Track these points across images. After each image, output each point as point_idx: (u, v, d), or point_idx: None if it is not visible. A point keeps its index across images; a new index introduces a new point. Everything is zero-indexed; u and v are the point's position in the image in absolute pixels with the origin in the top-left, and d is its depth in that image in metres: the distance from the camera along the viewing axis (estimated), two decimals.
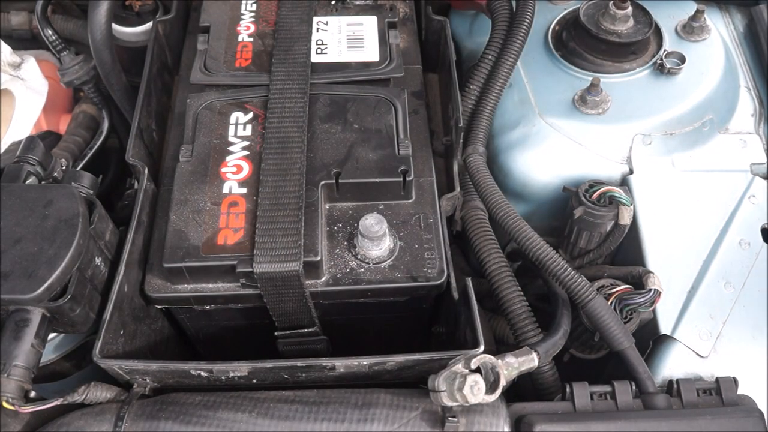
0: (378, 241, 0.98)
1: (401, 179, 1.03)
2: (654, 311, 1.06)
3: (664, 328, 1.05)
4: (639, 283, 1.07)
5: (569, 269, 1.01)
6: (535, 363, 0.92)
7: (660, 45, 1.31)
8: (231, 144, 1.07)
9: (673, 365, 1.02)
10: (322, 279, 0.99)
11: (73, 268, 0.87)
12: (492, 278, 1.07)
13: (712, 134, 1.24)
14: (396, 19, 1.26)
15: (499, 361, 0.86)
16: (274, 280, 0.94)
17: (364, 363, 0.90)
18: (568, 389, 0.92)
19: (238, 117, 1.11)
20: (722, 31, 1.38)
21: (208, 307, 1.03)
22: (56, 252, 0.85)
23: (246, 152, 1.06)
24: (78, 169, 1.28)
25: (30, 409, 0.83)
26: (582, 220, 1.14)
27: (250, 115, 1.11)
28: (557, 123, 1.23)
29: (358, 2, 1.29)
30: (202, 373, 0.92)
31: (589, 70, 1.28)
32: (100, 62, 1.26)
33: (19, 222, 0.88)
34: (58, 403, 0.86)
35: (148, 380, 0.94)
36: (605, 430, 0.87)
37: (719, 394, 0.93)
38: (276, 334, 1.05)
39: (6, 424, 0.87)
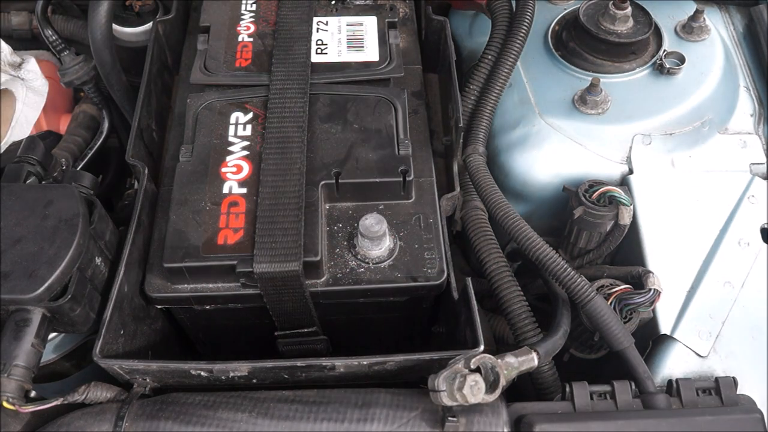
0: (378, 241, 0.98)
1: (401, 179, 1.03)
2: (654, 311, 1.06)
3: (664, 327, 1.05)
4: (639, 283, 1.07)
5: (569, 269, 1.01)
6: (535, 363, 0.92)
7: (660, 45, 1.31)
8: (231, 144, 1.08)
9: (672, 365, 1.02)
10: (322, 279, 0.99)
11: (73, 268, 0.87)
12: (492, 278, 1.07)
13: (712, 134, 1.24)
14: (396, 19, 1.26)
15: (499, 360, 0.86)
16: (274, 280, 0.94)
17: (364, 363, 0.90)
18: (567, 389, 0.92)
19: (238, 117, 1.11)
20: (722, 31, 1.38)
21: (208, 307, 1.03)
22: (56, 252, 0.85)
23: (246, 152, 1.06)
24: (78, 169, 1.28)
25: (30, 408, 0.83)
26: (582, 220, 1.14)
27: (250, 115, 1.11)
28: (557, 123, 1.23)
29: (358, 2, 1.29)
30: (202, 373, 0.92)
31: (588, 70, 1.28)
32: (100, 62, 1.26)
33: (19, 222, 0.88)
34: (58, 403, 0.86)
35: (148, 380, 0.94)
36: (605, 430, 0.88)
37: (719, 394, 0.93)
38: (276, 334, 1.06)
39: (6, 424, 0.87)
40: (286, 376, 0.94)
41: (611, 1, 1.27)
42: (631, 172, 1.19)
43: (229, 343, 1.15)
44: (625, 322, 1.04)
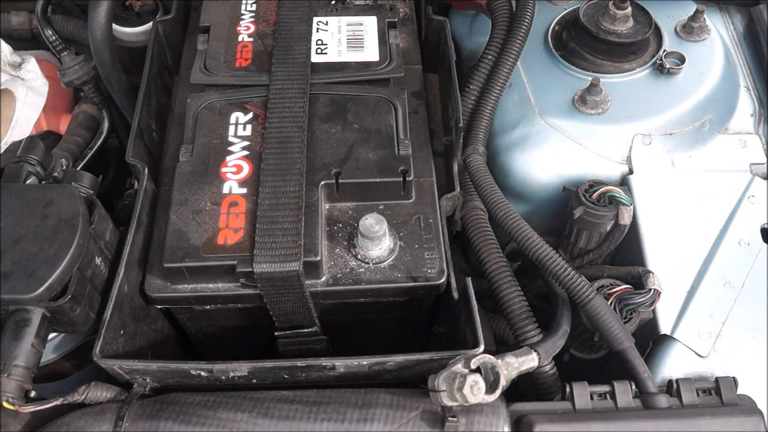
0: (378, 241, 0.98)
1: (401, 179, 1.03)
2: (654, 311, 1.06)
3: (664, 327, 1.05)
4: (639, 283, 1.07)
5: (569, 269, 1.01)
6: (535, 363, 0.92)
7: (660, 45, 1.31)
8: (231, 144, 1.08)
9: (672, 365, 1.02)
10: (322, 279, 0.99)
11: (73, 268, 0.87)
12: (492, 278, 1.07)
13: (712, 134, 1.24)
14: (396, 19, 1.26)
15: (499, 361, 0.86)
16: (274, 280, 0.94)
17: (364, 363, 0.90)
18: (568, 389, 0.92)
19: (238, 117, 1.11)
20: (722, 31, 1.38)
21: (208, 307, 1.03)
22: (56, 252, 0.85)
23: (246, 152, 1.06)
24: (78, 169, 1.28)
25: (30, 408, 0.83)
26: (582, 220, 1.14)
27: (250, 115, 1.11)
28: (557, 123, 1.23)
29: (358, 2, 1.29)
30: (202, 373, 0.92)
31: (589, 70, 1.28)
32: (100, 62, 1.26)
33: (19, 222, 0.88)
34: (58, 403, 0.86)
35: (148, 380, 0.94)
36: (605, 430, 0.88)
37: (719, 394, 0.93)
38: (276, 334, 1.06)
39: (6, 424, 0.87)
40: (286, 376, 0.94)
41: (611, 1, 1.27)
42: (631, 172, 1.19)
43: (229, 343, 1.15)
44: (625, 322, 1.04)
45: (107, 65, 1.27)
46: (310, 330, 1.05)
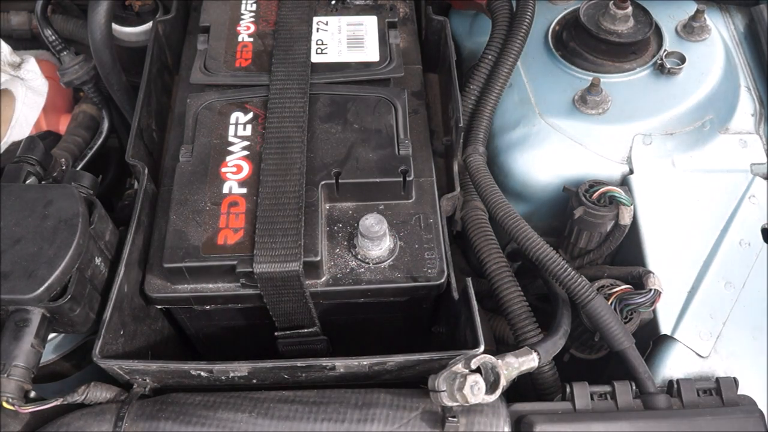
0: (378, 241, 0.98)
1: (401, 179, 1.03)
2: (654, 311, 1.06)
3: (665, 328, 1.05)
4: (639, 283, 1.07)
5: (569, 269, 1.01)
6: (536, 363, 0.92)
7: (660, 45, 1.31)
8: (231, 144, 1.07)
9: (673, 365, 1.02)
10: (322, 279, 0.99)
11: (73, 268, 0.87)
12: (492, 278, 1.07)
13: (713, 134, 1.24)
14: (396, 19, 1.26)
15: (499, 361, 0.86)
16: (274, 280, 0.94)
17: (364, 363, 0.90)
18: (568, 389, 0.92)
19: (238, 117, 1.11)
20: (722, 31, 1.38)
21: (208, 307, 1.03)
22: (56, 252, 0.85)
23: (246, 152, 1.06)
24: (78, 169, 1.28)
25: (30, 409, 0.83)
26: (582, 220, 1.14)
27: (250, 115, 1.11)
28: (557, 123, 1.23)
29: (358, 2, 1.29)
30: (202, 373, 0.92)
31: (589, 70, 1.28)
32: (100, 62, 1.26)
33: (19, 222, 0.88)
34: (58, 403, 0.86)
35: (148, 380, 0.94)
36: (605, 430, 0.87)
37: (719, 394, 0.93)
38: (276, 334, 1.05)
39: (6, 424, 0.87)
40: (286, 377, 0.94)
41: (612, 1, 1.27)
42: (631, 172, 1.19)
43: (229, 344, 1.15)
44: (625, 323, 1.03)
45: (107, 65, 1.27)
46: (310, 330, 1.05)
